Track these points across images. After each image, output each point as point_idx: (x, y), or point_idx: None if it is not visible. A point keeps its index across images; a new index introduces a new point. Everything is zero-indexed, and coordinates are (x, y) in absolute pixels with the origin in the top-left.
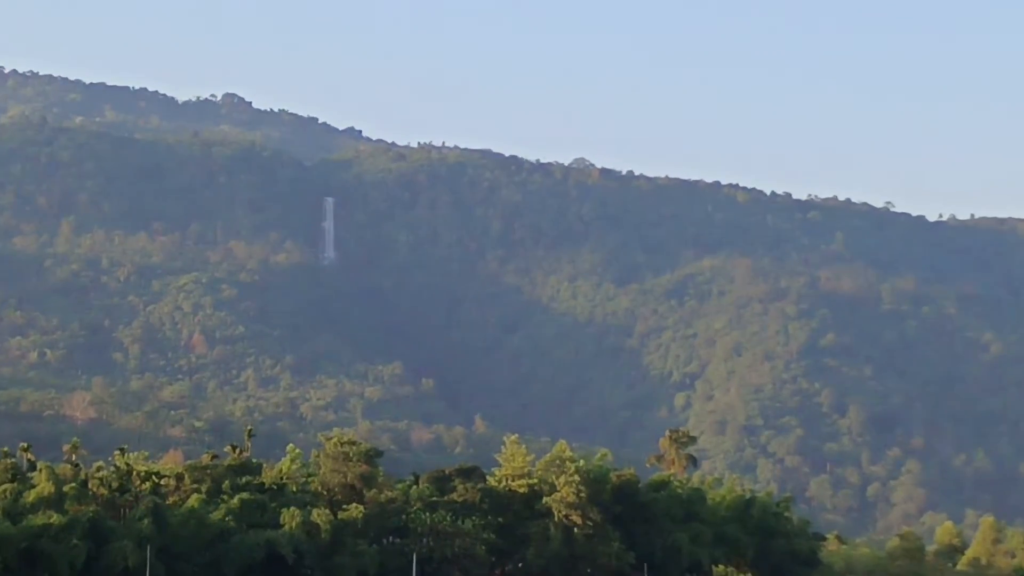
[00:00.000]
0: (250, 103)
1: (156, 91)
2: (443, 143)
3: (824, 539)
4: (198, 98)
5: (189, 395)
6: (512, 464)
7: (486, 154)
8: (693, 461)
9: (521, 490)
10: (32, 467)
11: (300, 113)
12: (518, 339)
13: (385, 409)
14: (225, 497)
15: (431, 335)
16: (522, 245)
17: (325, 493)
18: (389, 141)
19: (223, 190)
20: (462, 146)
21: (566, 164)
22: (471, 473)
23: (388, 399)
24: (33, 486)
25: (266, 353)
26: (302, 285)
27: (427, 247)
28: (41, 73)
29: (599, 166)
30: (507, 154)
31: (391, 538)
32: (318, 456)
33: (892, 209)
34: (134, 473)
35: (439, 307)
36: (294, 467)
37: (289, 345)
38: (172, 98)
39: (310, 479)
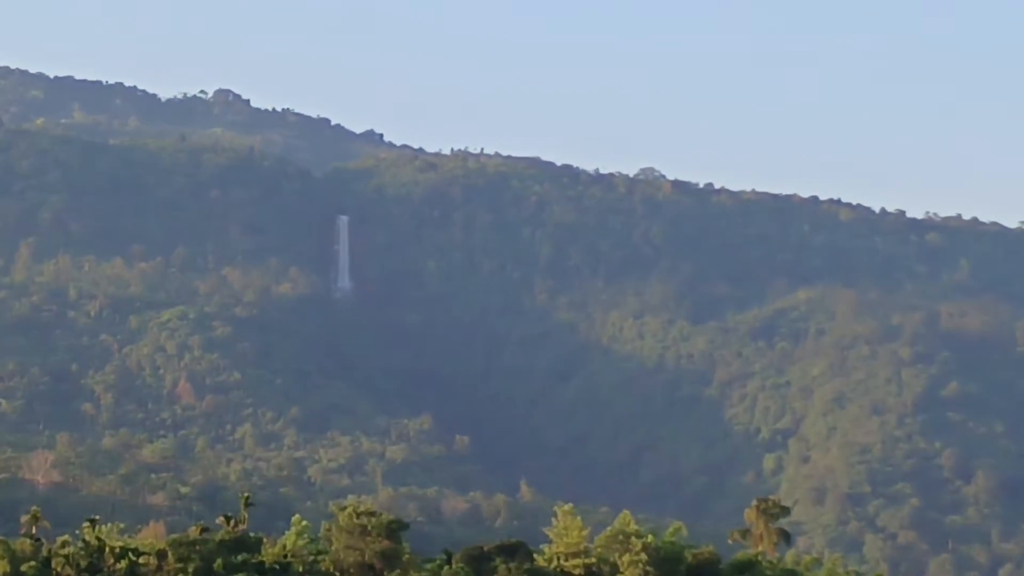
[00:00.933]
0: (248, 101)
1: (134, 87)
2: (482, 149)
3: None
4: (185, 95)
5: (173, 455)
6: (565, 540)
7: (534, 163)
8: (786, 537)
9: (576, 571)
10: None
11: (308, 113)
12: (572, 388)
13: (411, 473)
14: None
15: (467, 383)
16: (577, 274)
17: (338, 574)
18: (416, 147)
19: (215, 206)
20: (504, 153)
21: (631, 175)
22: (515, 550)
23: (414, 460)
24: None
25: (267, 404)
26: (310, 322)
27: (462, 276)
28: None
29: (671, 178)
30: (559, 163)
31: None
32: (329, 529)
33: None
34: (107, 549)
35: (476, 349)
36: (301, 543)
37: (295, 394)
38: (154, 95)
39: (320, 557)
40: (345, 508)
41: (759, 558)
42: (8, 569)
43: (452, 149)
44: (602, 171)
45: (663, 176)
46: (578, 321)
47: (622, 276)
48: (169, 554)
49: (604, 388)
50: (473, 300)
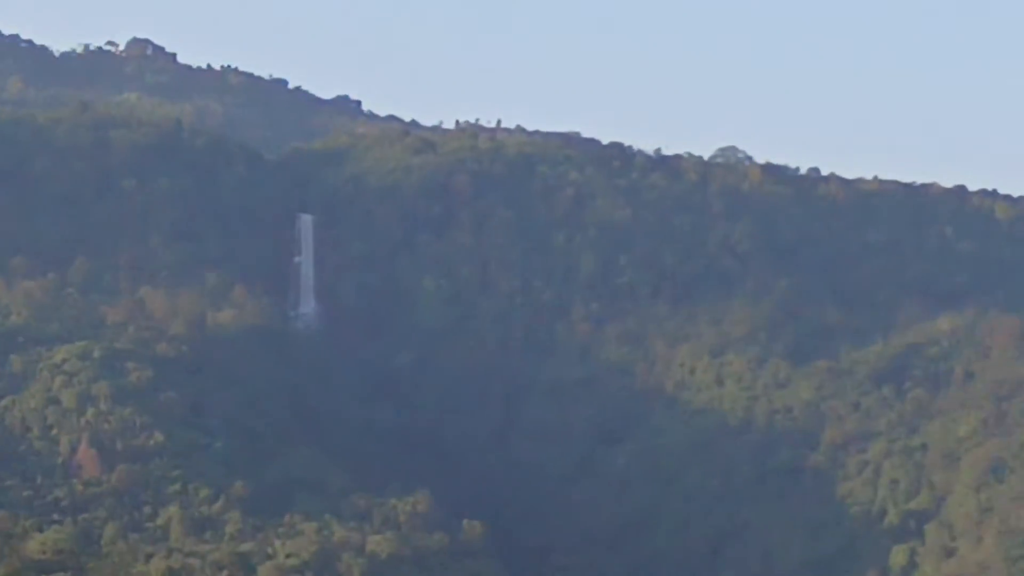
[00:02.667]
0: (174, 56)
1: (16, 36)
2: (498, 123)
3: None
4: (87, 48)
5: (72, 547)
6: None
7: (570, 140)
8: None
9: None
10: None
11: (258, 73)
12: (624, 454)
13: (401, 571)
14: None
15: (478, 447)
16: (631, 294)
17: None
18: (407, 119)
19: (129, 201)
20: (530, 127)
21: (705, 158)
22: None
23: (406, 554)
24: None
25: (201, 477)
26: (262, 362)
27: (470, 297)
28: None
29: (761, 160)
30: (606, 140)
31: None
32: None
33: None
34: None
35: (491, 400)
36: None
37: (240, 463)
38: (44, 48)
39: None
40: None
41: None
42: None
43: (457, 122)
44: (665, 151)
45: (750, 158)
46: (633, 360)
47: (694, 298)
48: None
49: (669, 454)
50: (487, 331)
